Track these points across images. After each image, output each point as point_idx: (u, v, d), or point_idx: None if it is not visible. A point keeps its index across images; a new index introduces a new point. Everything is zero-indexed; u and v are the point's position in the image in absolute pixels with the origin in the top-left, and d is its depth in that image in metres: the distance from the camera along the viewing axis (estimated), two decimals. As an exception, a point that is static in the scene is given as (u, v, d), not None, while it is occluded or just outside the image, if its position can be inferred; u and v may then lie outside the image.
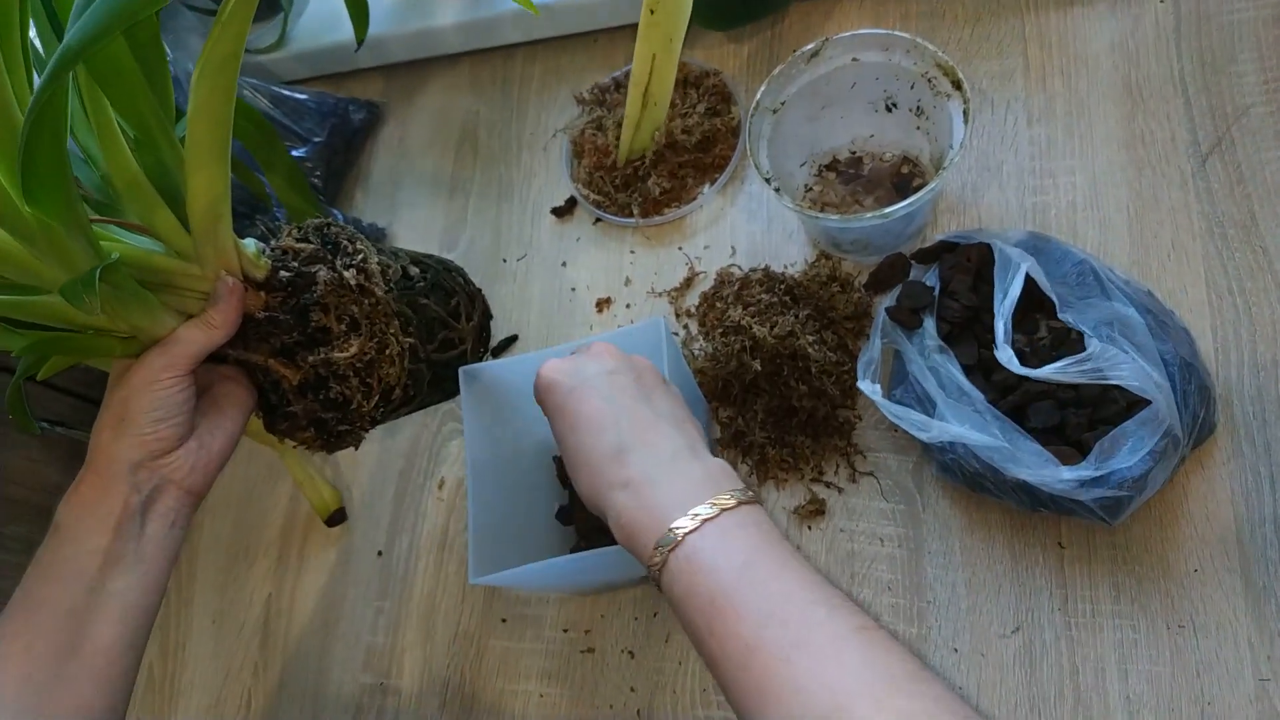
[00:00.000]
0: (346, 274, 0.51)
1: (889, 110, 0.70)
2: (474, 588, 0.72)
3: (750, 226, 0.77)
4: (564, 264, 0.82)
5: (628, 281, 0.79)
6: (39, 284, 0.44)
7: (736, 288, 0.72)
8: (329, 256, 0.52)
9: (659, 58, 0.66)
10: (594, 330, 0.78)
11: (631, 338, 0.61)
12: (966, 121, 0.61)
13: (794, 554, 0.41)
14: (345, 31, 0.93)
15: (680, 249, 0.78)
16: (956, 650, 0.59)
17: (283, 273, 0.50)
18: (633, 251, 0.80)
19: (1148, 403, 0.52)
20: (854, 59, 0.67)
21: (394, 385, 0.54)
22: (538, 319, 0.81)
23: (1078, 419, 0.55)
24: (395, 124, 0.95)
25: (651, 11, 0.64)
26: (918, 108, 0.68)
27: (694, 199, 0.78)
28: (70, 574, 0.46)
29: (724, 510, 0.41)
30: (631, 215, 0.79)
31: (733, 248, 0.76)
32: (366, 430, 0.55)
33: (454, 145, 0.92)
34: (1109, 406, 0.55)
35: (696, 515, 0.41)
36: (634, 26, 0.87)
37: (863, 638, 0.37)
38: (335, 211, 0.87)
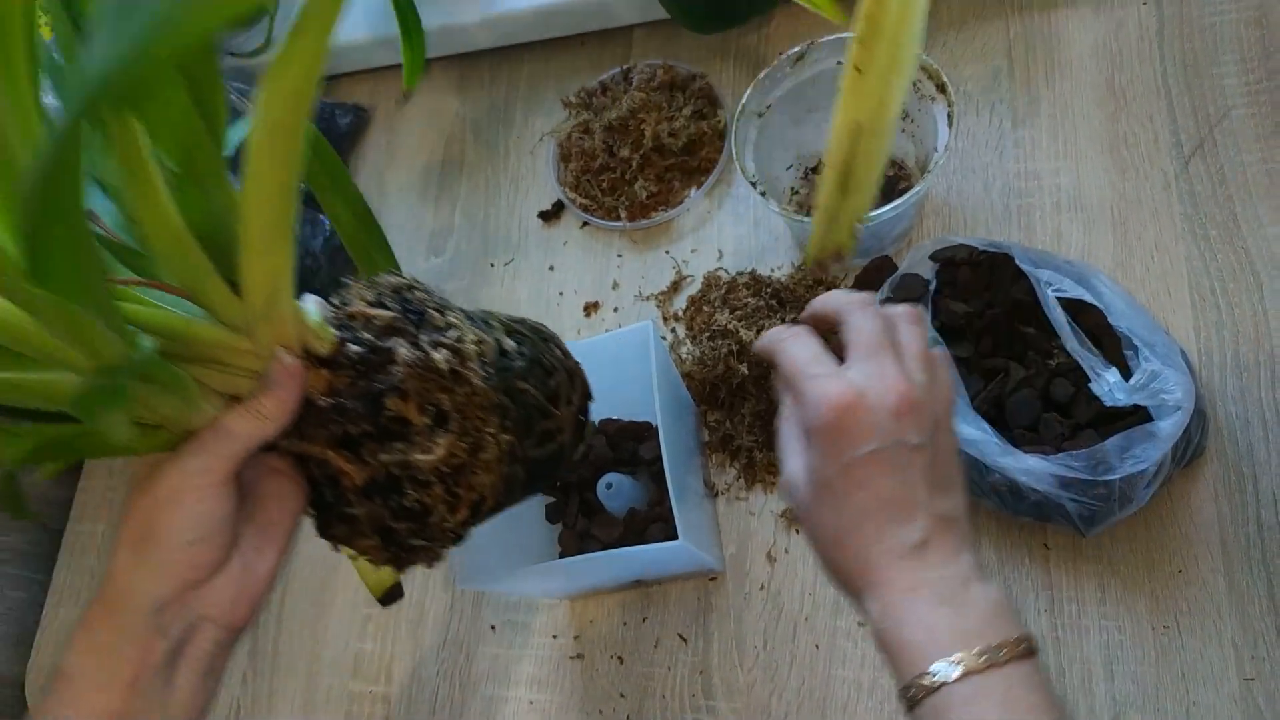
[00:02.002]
0: (436, 355, 0.40)
1: (874, 113, 0.70)
2: (463, 594, 0.72)
3: (737, 230, 0.77)
4: (551, 268, 0.82)
5: (615, 285, 0.79)
6: (42, 359, 0.34)
7: (723, 291, 0.72)
8: (411, 329, 0.41)
9: (866, 128, 0.50)
10: (581, 335, 0.78)
11: (619, 342, 0.61)
12: (951, 124, 0.62)
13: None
14: (332, 34, 0.93)
15: (667, 252, 0.78)
16: (944, 652, 0.59)
17: (352, 346, 0.40)
18: (620, 255, 0.80)
19: (1127, 410, 0.53)
20: (839, 62, 0.67)
21: (486, 496, 0.43)
22: (525, 323, 0.80)
23: (1050, 418, 0.56)
24: (382, 128, 0.95)
25: (858, 69, 0.48)
26: (902, 111, 0.68)
27: (680, 202, 0.78)
28: None
29: (993, 666, 0.37)
30: (618, 219, 0.79)
31: (719, 251, 0.77)
32: (448, 548, 0.44)
33: (441, 149, 0.91)
34: (1085, 408, 0.56)
35: (961, 663, 0.37)
36: (622, 29, 0.88)
37: None
38: (323, 219, 0.87)
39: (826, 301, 0.45)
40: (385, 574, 0.63)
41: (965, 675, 0.36)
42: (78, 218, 0.29)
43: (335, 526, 0.43)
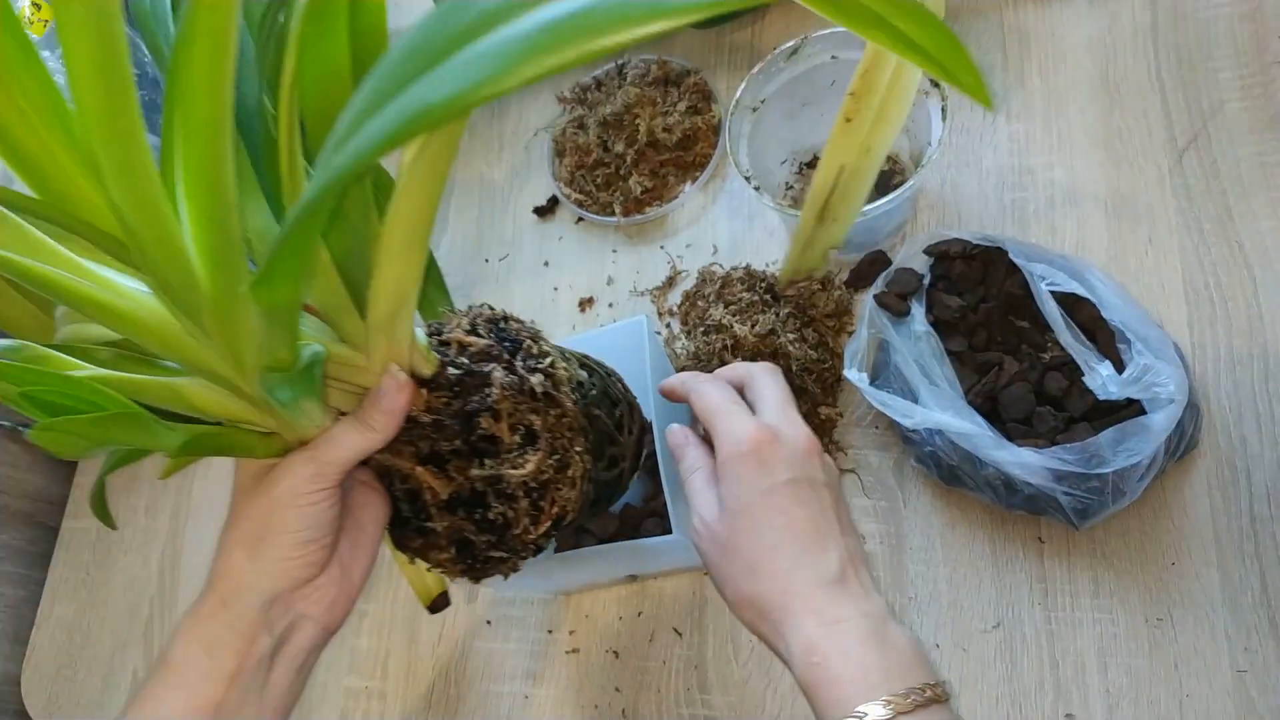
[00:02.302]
0: (532, 379, 0.43)
1: (868, 108, 0.70)
2: (458, 589, 0.72)
3: (731, 224, 0.77)
4: (546, 263, 0.82)
5: (610, 280, 0.79)
6: (183, 363, 0.37)
7: (718, 286, 0.72)
8: (506, 356, 0.44)
9: (849, 170, 0.54)
10: (576, 330, 0.78)
11: (614, 337, 0.61)
12: (945, 119, 0.62)
13: None
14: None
15: (662, 248, 0.78)
16: (938, 645, 0.59)
17: (451, 370, 0.43)
18: (615, 250, 0.80)
19: (1121, 403, 0.53)
20: (833, 56, 0.67)
21: (568, 510, 0.46)
22: (520, 319, 0.80)
23: (1044, 411, 0.56)
24: (376, 124, 0.95)
25: (848, 119, 0.52)
26: (896, 105, 0.68)
27: (675, 197, 0.78)
28: None
29: (919, 707, 0.38)
30: (613, 214, 0.79)
31: (714, 246, 0.76)
32: (525, 559, 0.47)
33: (435, 145, 0.91)
34: (1078, 402, 0.56)
35: (891, 704, 0.37)
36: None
37: None
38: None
39: (735, 369, 0.49)
40: (433, 583, 0.66)
41: (896, 716, 0.37)
42: (313, 252, 0.34)
43: (411, 540, 0.45)
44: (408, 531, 0.45)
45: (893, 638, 0.40)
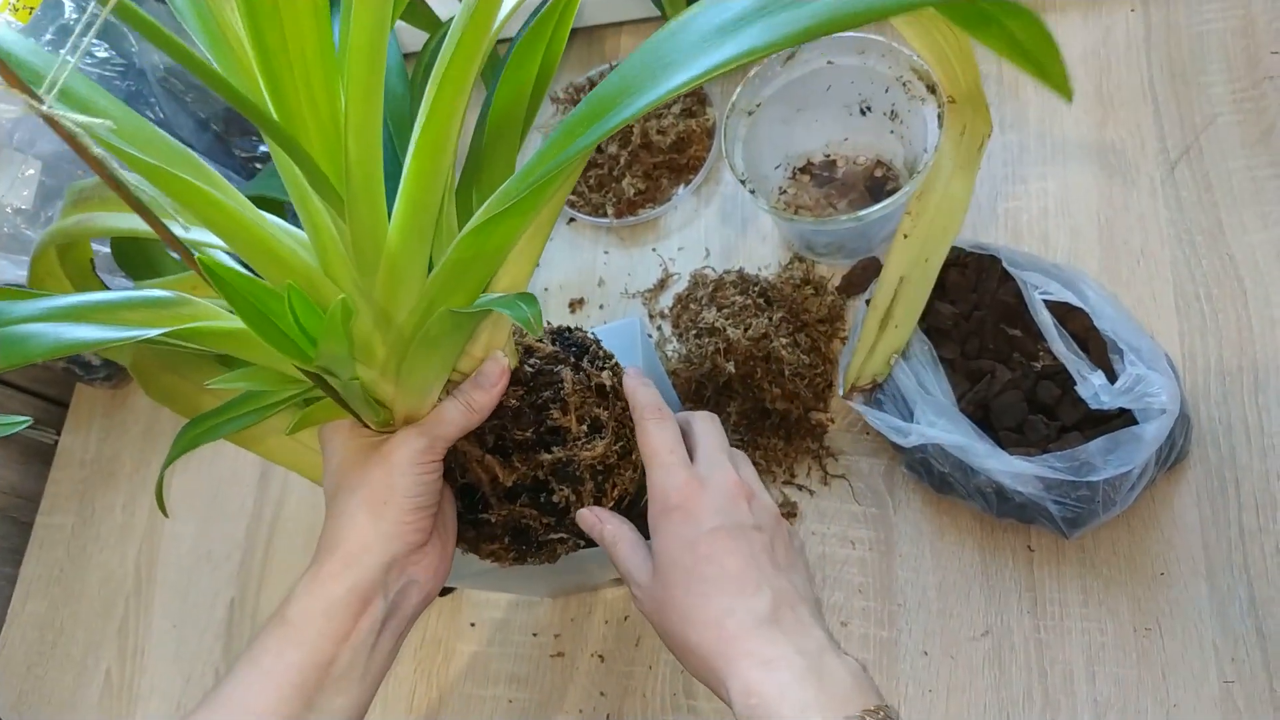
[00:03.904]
0: (601, 375, 0.48)
1: (863, 114, 0.70)
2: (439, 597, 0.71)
3: (724, 228, 0.77)
4: (537, 263, 0.81)
5: (601, 282, 0.78)
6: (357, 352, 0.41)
7: (710, 289, 0.72)
8: (572, 359, 0.49)
9: (907, 280, 0.59)
10: (567, 331, 0.77)
11: (606, 338, 0.60)
12: (940, 126, 0.62)
13: None
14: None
15: (654, 250, 0.78)
16: (926, 653, 0.59)
17: (527, 367, 0.47)
18: (606, 252, 0.79)
19: (1113, 413, 0.53)
20: (829, 62, 0.67)
21: (629, 491, 0.50)
22: (510, 319, 0.80)
23: (1036, 420, 0.56)
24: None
25: (905, 236, 0.57)
26: (892, 111, 0.68)
27: (668, 200, 0.78)
28: (290, 683, 0.40)
29: None
30: (605, 215, 0.78)
31: (707, 249, 0.76)
32: (581, 542, 0.50)
33: (426, 143, 0.90)
34: (1070, 411, 0.56)
35: None
36: (610, 26, 0.87)
37: None
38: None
39: (678, 416, 0.50)
40: None
41: None
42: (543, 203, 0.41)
43: (465, 532, 0.49)
44: (461, 525, 0.49)
45: (830, 670, 0.39)
